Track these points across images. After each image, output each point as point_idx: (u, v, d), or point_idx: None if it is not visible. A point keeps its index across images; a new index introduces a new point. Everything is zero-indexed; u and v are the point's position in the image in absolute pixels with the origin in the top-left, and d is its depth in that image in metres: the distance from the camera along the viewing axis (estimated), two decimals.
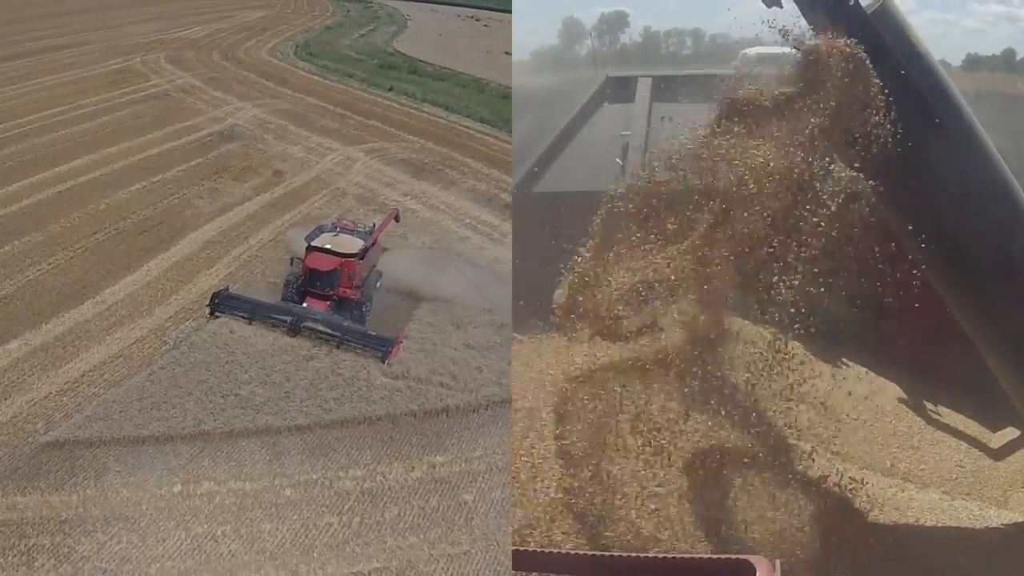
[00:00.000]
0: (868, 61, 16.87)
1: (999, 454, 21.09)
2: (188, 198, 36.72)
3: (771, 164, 16.71)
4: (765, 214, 16.60)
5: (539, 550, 14.21)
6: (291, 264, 28.34)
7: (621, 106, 30.89)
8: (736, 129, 17.46)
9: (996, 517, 19.34)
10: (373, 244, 29.24)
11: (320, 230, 28.65)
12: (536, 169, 28.07)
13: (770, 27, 17.66)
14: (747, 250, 16.75)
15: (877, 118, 16.76)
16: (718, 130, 17.58)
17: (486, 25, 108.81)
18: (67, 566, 16.85)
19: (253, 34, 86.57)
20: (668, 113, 26.82)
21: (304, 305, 26.38)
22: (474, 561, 18.21)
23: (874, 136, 16.74)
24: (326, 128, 51.05)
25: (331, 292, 26.69)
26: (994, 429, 21.53)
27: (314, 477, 19.99)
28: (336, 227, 29.28)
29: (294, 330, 25.21)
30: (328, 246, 27.25)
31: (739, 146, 17.23)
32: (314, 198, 38.66)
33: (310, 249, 27.21)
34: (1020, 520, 19.33)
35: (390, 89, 64.01)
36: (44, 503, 18.35)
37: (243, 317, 25.70)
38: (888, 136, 16.67)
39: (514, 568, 9.52)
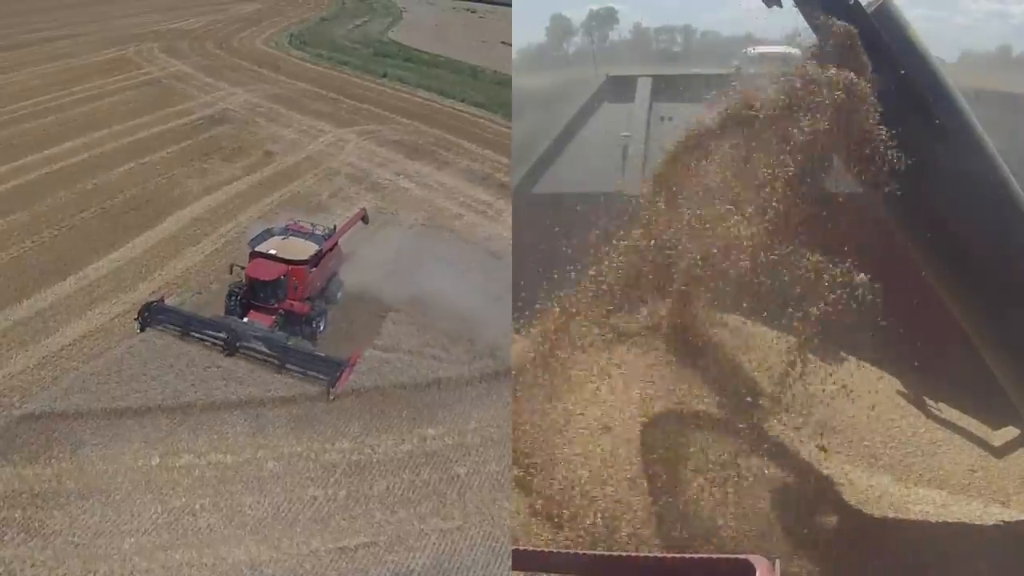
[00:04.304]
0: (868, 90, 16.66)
1: (1000, 452, 20.82)
2: (177, 178, 36.14)
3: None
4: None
5: (539, 550, 13.77)
6: (230, 272, 24.72)
7: (621, 106, 30.44)
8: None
9: (999, 515, 18.89)
10: (331, 249, 25.73)
11: (268, 233, 25.16)
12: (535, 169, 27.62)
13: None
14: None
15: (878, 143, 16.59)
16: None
17: (481, 17, 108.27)
18: (37, 540, 16.19)
19: (248, 25, 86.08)
20: (668, 113, 26.67)
21: (245, 320, 23.35)
22: (468, 536, 17.51)
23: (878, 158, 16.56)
24: (318, 111, 50.49)
25: (276, 305, 23.56)
26: (995, 427, 21.30)
27: (299, 450, 19.31)
28: (288, 229, 25.63)
29: (229, 350, 22.27)
30: (274, 252, 23.85)
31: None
32: (305, 177, 38.13)
33: (253, 255, 23.94)
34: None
35: (384, 75, 63.37)
36: (16, 476, 17.72)
37: (175, 332, 22.98)
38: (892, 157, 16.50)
39: (514, 568, 9.08)
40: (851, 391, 19.32)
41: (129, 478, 17.93)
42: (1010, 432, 20.87)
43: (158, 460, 18.50)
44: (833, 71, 16.46)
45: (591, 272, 17.54)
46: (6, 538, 16.19)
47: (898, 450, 20.27)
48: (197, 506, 17.39)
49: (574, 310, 17.54)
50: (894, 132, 16.60)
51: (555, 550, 14.40)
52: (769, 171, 16.42)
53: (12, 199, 31.94)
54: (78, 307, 24.48)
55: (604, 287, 17.41)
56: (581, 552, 7.81)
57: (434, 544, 17.19)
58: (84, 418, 19.54)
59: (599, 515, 16.38)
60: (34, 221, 30.11)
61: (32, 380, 20.90)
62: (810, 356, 17.06)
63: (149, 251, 28.60)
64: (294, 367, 21.74)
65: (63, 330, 23.20)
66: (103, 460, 18.36)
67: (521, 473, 17.00)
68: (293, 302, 23.62)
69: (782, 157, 16.46)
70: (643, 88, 30.36)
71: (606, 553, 8.34)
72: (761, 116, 17.02)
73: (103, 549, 16.15)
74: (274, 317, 23.45)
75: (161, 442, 19.03)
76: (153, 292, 25.40)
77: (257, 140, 43.28)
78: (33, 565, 15.66)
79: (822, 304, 15.98)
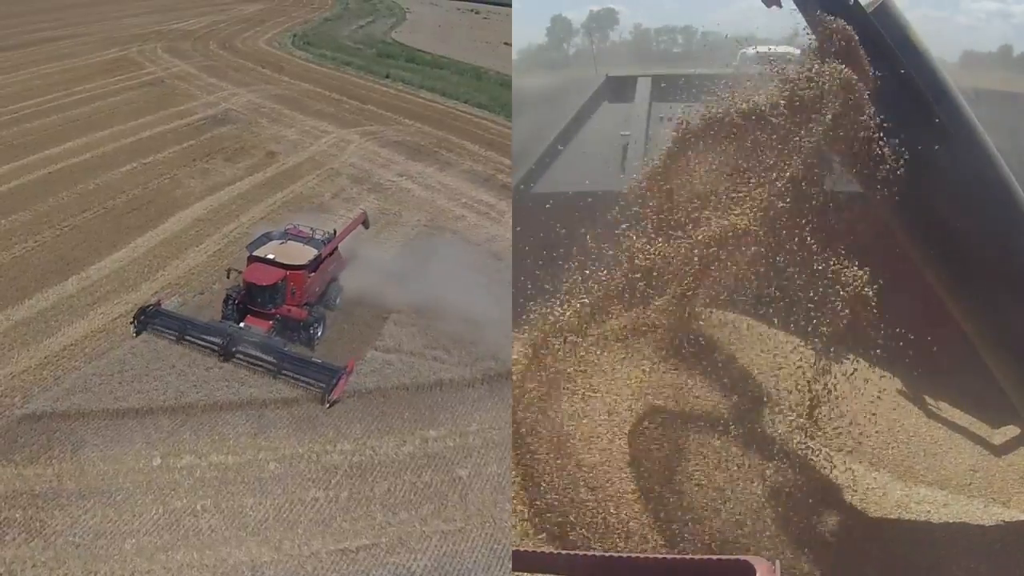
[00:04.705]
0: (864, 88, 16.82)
1: (1001, 451, 20.81)
2: (179, 178, 36.10)
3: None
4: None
5: (539, 550, 13.73)
6: (227, 276, 24.69)
7: (621, 106, 30.40)
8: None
9: (1000, 515, 18.92)
10: (331, 254, 25.44)
11: (267, 237, 24.77)
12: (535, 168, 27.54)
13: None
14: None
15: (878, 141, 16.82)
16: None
17: (485, 18, 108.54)
18: (38, 540, 16.14)
19: (251, 25, 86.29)
20: (668, 113, 26.66)
21: (241, 325, 22.96)
22: (469, 538, 17.43)
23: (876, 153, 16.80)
24: (321, 112, 50.50)
25: (273, 310, 23.28)
26: (995, 426, 21.26)
27: (300, 451, 19.24)
28: (287, 233, 25.21)
29: (225, 355, 21.98)
30: (271, 256, 23.53)
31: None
32: (307, 178, 38.04)
33: (251, 260, 23.65)
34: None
35: (387, 76, 63.37)
36: (17, 476, 17.67)
37: (171, 336, 22.69)
38: (891, 157, 16.75)
39: (514, 568, 9.05)
40: (854, 390, 19.33)
41: (130, 479, 17.88)
42: (1010, 431, 20.84)
43: (159, 461, 18.45)
44: (833, 66, 16.56)
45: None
46: (7, 538, 16.13)
47: (899, 450, 20.25)
48: (198, 507, 17.33)
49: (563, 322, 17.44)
50: (894, 134, 16.68)
51: (556, 551, 14.34)
52: (770, 172, 16.44)
53: (14, 199, 31.89)
54: (80, 307, 24.40)
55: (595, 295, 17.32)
56: (581, 553, 7.80)
57: (435, 546, 17.11)
58: (85, 418, 19.47)
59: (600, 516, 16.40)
60: (36, 221, 30.06)
61: (33, 380, 20.85)
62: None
63: (151, 251, 28.53)
64: (290, 374, 21.43)
65: (65, 330, 23.14)
66: (104, 461, 18.31)
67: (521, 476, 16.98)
68: (291, 307, 23.30)
69: (784, 157, 16.48)
70: (643, 88, 30.32)
71: (606, 554, 8.31)
72: (756, 118, 17.05)
73: (104, 550, 16.10)
74: (271, 322, 23.15)
75: (162, 443, 18.97)
76: (155, 293, 25.36)
77: (260, 140, 43.23)
78: (34, 566, 15.61)
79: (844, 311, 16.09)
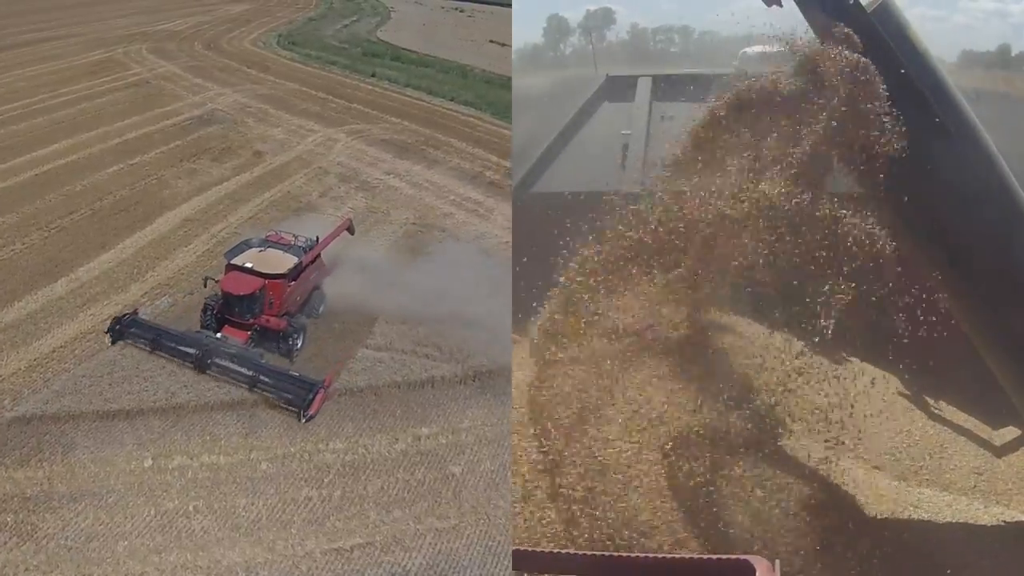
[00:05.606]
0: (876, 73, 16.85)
1: (1001, 451, 20.80)
2: (166, 179, 35.98)
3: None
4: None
5: (539, 550, 13.73)
6: (204, 285, 23.78)
7: (621, 105, 30.39)
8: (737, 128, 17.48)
9: (1002, 515, 18.96)
10: (312, 261, 24.67)
11: (246, 244, 24.23)
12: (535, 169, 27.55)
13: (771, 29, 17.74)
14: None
15: (881, 133, 16.79)
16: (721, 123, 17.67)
17: (470, 16, 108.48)
18: (30, 544, 16.06)
19: (236, 26, 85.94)
20: (668, 113, 26.66)
21: (218, 335, 22.43)
22: (464, 535, 17.40)
23: (879, 149, 16.78)
24: (308, 111, 50.37)
25: (251, 320, 22.63)
26: (996, 427, 21.23)
27: (292, 450, 19.18)
28: (267, 240, 24.53)
29: (200, 366, 21.30)
30: (250, 265, 22.92)
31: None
32: (295, 176, 37.97)
33: (229, 268, 23.08)
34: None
35: (373, 75, 63.30)
36: (8, 479, 17.58)
37: (145, 346, 22.15)
38: (894, 148, 16.75)
39: (514, 568, 9.08)
40: (856, 392, 19.32)
41: (122, 480, 17.81)
42: (1011, 432, 20.84)
43: (151, 462, 18.38)
44: (845, 51, 16.69)
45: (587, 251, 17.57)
46: None
47: (902, 451, 20.28)
48: (191, 508, 17.27)
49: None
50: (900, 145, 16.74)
51: (555, 550, 14.34)
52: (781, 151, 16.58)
53: (1, 202, 31.71)
54: (69, 309, 24.29)
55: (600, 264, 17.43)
56: (581, 552, 7.79)
57: (430, 544, 17.08)
58: (76, 420, 19.39)
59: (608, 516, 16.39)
60: (24, 223, 29.94)
61: (23, 383, 20.74)
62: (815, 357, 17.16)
63: (140, 252, 28.42)
64: (266, 387, 20.72)
65: (54, 332, 23.03)
66: (95, 463, 18.22)
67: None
68: (269, 317, 22.64)
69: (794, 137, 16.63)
70: (643, 88, 30.31)
71: (606, 553, 8.32)
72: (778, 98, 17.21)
73: (96, 552, 16.03)
74: (249, 333, 22.53)
75: (153, 444, 18.90)
76: (145, 293, 25.37)
77: (246, 140, 43.12)
78: (27, 569, 15.54)
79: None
